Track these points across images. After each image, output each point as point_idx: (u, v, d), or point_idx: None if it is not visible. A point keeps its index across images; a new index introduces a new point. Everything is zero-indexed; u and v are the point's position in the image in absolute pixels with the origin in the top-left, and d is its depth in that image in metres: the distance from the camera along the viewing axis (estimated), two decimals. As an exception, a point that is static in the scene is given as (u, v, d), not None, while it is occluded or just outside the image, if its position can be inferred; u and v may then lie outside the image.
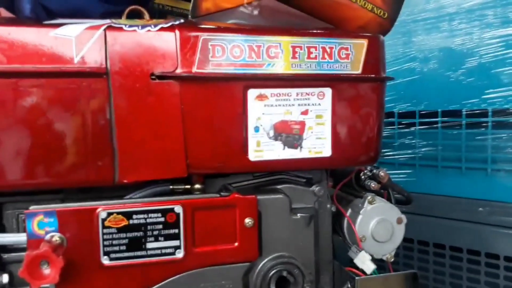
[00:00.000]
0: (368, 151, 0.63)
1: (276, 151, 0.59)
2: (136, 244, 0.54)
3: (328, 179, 0.67)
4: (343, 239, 0.69)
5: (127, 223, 0.54)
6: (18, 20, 0.62)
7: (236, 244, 0.58)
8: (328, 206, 0.65)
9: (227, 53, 0.55)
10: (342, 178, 0.71)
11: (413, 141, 1.06)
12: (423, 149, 1.05)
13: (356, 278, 0.62)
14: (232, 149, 0.57)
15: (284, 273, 0.59)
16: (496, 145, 0.94)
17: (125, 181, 0.54)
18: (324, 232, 0.65)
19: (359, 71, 0.61)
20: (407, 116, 1.07)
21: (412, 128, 1.06)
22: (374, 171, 0.69)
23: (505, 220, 0.92)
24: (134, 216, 0.54)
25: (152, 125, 0.54)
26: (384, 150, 1.10)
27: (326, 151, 0.61)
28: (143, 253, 0.55)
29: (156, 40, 0.54)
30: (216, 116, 0.56)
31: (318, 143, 0.60)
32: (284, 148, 0.59)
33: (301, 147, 0.60)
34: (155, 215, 0.55)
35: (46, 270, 0.47)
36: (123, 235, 0.54)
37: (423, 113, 1.05)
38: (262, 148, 0.58)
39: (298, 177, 0.64)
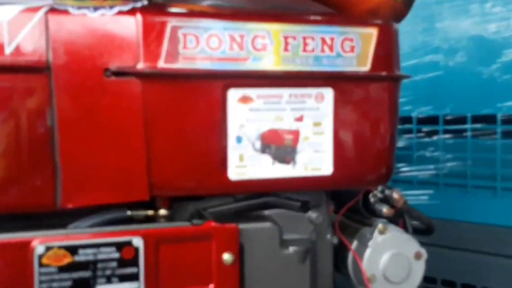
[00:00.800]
0: (378, 168, 0.65)
1: (263, 167, 0.61)
2: (83, 287, 0.55)
3: (329, 203, 0.69)
4: (347, 279, 0.71)
5: (71, 260, 0.54)
6: None
7: (211, 286, 0.59)
8: (329, 236, 0.67)
9: (202, 44, 0.57)
10: (346, 201, 0.72)
11: (436, 153, 1.08)
12: (448, 164, 1.07)
13: (364, 328, 0.65)
14: (207, 165, 0.59)
15: (273, 324, 0.62)
16: (540, 159, 0.98)
17: (69, 205, 0.55)
18: (323, 270, 0.66)
19: (367, 68, 0.63)
20: (428, 121, 1.09)
21: (435, 137, 1.08)
22: (387, 192, 0.71)
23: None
24: (81, 251, 0.55)
25: (105, 134, 0.55)
26: (399, 165, 1.12)
27: (326, 167, 0.63)
28: (92, 298, 0.56)
29: (112, 26, 0.55)
30: (187, 123, 0.57)
31: (316, 158, 0.62)
32: (273, 164, 0.61)
33: (294, 162, 0.62)
34: (108, 249, 0.56)
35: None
36: (66, 275, 0.54)
37: (448, 119, 1.08)
38: (246, 163, 0.60)
39: (291, 200, 0.66)
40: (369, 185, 0.70)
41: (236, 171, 0.60)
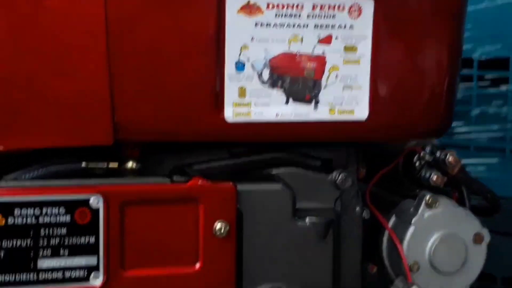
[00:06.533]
0: (432, 114, 0.64)
1: (273, 107, 0.60)
2: (19, 260, 0.54)
3: (361, 163, 0.68)
4: (382, 266, 0.70)
5: (2, 222, 0.54)
6: None
7: (197, 265, 0.59)
8: (358, 209, 0.66)
9: None
10: (382, 164, 0.71)
11: (503, 108, 1.06)
12: (520, 124, 1.06)
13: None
14: (195, 100, 0.58)
15: (280, 321, 0.61)
16: None
17: (0, 147, 0.55)
18: (349, 253, 0.66)
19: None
20: (494, 66, 1.07)
21: (503, 87, 1.06)
22: (438, 154, 0.69)
23: None
24: (17, 212, 0.54)
25: (50, 50, 0.54)
26: (454, 125, 1.08)
27: (360, 110, 0.62)
28: (32, 276, 0.55)
29: None
30: (168, 40, 0.56)
31: (347, 96, 0.61)
32: (287, 102, 0.60)
33: (317, 102, 0.61)
34: (55, 210, 0.55)
35: None
36: (-5, 243, 0.54)
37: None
38: (249, 99, 0.59)
39: (309, 156, 0.65)
40: (418, 137, 0.69)
41: (235, 110, 0.59)
